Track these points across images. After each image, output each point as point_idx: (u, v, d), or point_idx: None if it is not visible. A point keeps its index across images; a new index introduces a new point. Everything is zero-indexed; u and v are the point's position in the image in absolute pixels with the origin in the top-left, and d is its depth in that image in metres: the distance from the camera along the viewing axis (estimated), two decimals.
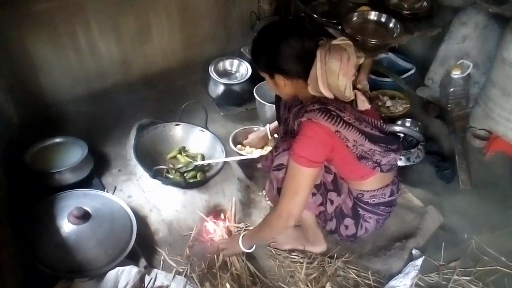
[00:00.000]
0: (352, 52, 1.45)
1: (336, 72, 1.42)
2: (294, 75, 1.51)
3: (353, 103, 1.53)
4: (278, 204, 1.55)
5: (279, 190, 1.60)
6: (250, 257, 1.77)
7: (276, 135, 2.19)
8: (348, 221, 1.69)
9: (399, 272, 1.71)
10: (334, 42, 1.45)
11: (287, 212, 1.52)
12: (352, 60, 1.44)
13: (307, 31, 1.51)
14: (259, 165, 1.80)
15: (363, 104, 1.53)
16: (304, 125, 1.47)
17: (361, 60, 1.50)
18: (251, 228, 1.88)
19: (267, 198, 1.99)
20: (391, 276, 1.70)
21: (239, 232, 1.87)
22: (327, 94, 1.46)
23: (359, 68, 1.51)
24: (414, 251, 1.79)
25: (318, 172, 1.54)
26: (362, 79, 1.57)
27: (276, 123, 2.14)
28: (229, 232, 1.88)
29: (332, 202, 1.65)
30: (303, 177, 1.49)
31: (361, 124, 1.50)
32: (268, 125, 2.21)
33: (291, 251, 1.83)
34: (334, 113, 1.45)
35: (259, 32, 1.57)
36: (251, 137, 2.25)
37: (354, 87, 1.51)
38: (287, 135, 1.69)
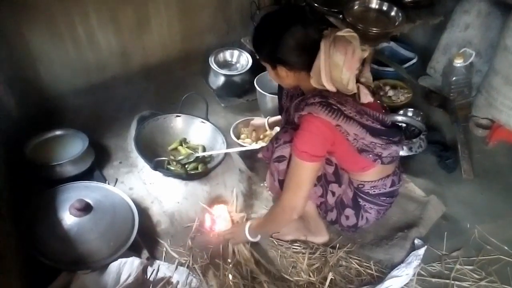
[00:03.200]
0: (357, 45, 1.42)
1: (340, 66, 1.39)
2: (296, 66, 1.49)
3: (356, 96, 1.51)
4: (281, 198, 1.55)
5: (280, 182, 1.60)
6: (255, 247, 1.78)
7: (277, 128, 2.17)
8: (349, 211, 1.69)
9: (401, 261, 1.71)
10: (339, 33, 1.42)
11: (290, 206, 1.52)
12: (357, 54, 1.41)
13: (310, 20, 1.48)
14: (259, 155, 1.79)
15: (366, 98, 1.51)
16: (305, 119, 1.46)
17: (366, 54, 1.47)
18: (254, 216, 1.87)
19: (268, 189, 1.98)
20: (393, 266, 1.69)
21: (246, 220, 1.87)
22: (330, 87, 1.44)
23: (363, 62, 1.49)
24: (416, 241, 1.78)
25: (320, 165, 1.54)
26: (365, 72, 1.54)
27: (276, 117, 2.13)
28: (232, 222, 1.87)
29: (333, 193, 1.64)
30: (305, 171, 1.48)
31: (362, 118, 1.48)
32: (268, 117, 2.19)
33: (293, 241, 1.83)
34: (335, 107, 1.44)
35: (261, 21, 1.54)
36: (254, 123, 2.23)
37: (358, 81, 1.49)
38: (288, 125, 1.67)
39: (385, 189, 1.67)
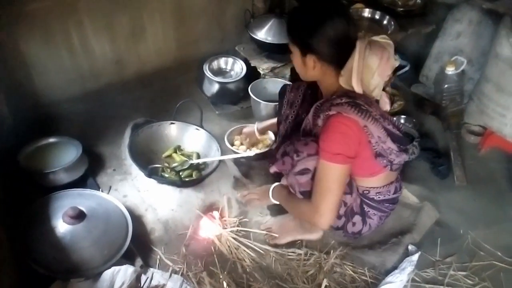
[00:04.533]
0: (392, 53, 1.42)
1: (373, 70, 1.39)
2: (327, 59, 1.46)
3: (377, 103, 1.52)
4: (319, 206, 1.51)
5: (303, 193, 1.59)
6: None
7: (272, 134, 2.18)
8: (357, 218, 1.69)
9: (395, 267, 1.71)
10: (375, 38, 1.42)
11: (329, 214, 1.50)
12: (391, 61, 1.42)
13: (353, 18, 1.46)
14: (271, 170, 1.75)
15: (385, 106, 1.54)
16: (334, 120, 1.44)
17: (398, 63, 1.47)
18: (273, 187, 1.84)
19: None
20: (387, 272, 1.70)
21: (238, 225, 1.89)
22: (358, 89, 1.44)
23: (394, 71, 1.48)
24: (410, 247, 1.79)
25: (350, 167, 1.52)
26: (391, 81, 1.55)
27: (265, 122, 2.13)
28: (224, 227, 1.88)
29: (345, 204, 1.64)
30: (338, 175, 1.47)
31: (384, 121, 1.49)
32: (256, 123, 2.20)
33: (288, 246, 1.82)
34: (364, 108, 1.43)
35: (304, 3, 1.51)
36: (244, 131, 2.24)
37: (383, 89, 1.49)
38: (291, 135, 1.65)
39: (389, 195, 1.68)
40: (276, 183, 1.82)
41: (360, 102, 1.43)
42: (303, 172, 1.55)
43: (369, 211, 1.68)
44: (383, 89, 1.50)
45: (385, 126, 1.48)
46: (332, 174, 1.47)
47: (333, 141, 1.44)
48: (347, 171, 1.49)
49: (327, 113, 1.45)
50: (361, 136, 1.46)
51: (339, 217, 1.67)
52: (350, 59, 1.41)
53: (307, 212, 1.58)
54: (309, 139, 1.56)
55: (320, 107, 1.50)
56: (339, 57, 1.44)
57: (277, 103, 1.97)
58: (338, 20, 1.40)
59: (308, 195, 1.58)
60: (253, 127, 2.19)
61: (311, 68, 1.51)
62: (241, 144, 2.25)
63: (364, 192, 1.65)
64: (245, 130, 2.23)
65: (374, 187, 1.64)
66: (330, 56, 1.45)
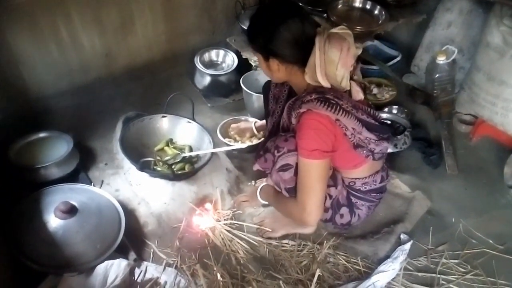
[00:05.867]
0: (352, 42, 1.43)
1: (335, 62, 1.40)
2: (289, 60, 1.49)
3: (348, 93, 1.52)
4: (305, 204, 1.54)
5: (288, 190, 1.61)
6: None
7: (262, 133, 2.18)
8: (344, 210, 1.70)
9: (387, 256, 1.73)
10: (333, 30, 1.43)
11: (316, 211, 1.54)
12: (352, 51, 1.43)
13: (308, 16, 1.48)
14: (254, 168, 1.77)
15: (357, 95, 1.53)
16: (306, 118, 1.45)
17: (360, 51, 1.48)
18: (264, 184, 1.88)
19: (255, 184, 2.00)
20: (380, 261, 1.71)
21: (232, 217, 1.90)
22: (325, 83, 1.45)
23: (357, 59, 1.50)
24: (402, 236, 1.80)
25: (330, 162, 1.54)
26: (357, 70, 1.56)
27: (263, 121, 2.12)
28: (218, 219, 1.88)
29: (330, 196, 1.66)
30: (319, 170, 1.49)
31: (358, 112, 1.50)
32: (255, 121, 2.19)
33: (282, 238, 1.82)
34: (333, 101, 1.44)
35: (257, 11, 1.54)
36: (240, 126, 2.23)
37: (351, 78, 1.50)
38: (285, 133, 1.66)
39: (375, 185, 1.69)
40: (263, 183, 1.84)
41: (329, 97, 1.45)
42: (285, 168, 1.57)
43: (356, 202, 1.69)
44: (351, 79, 1.50)
45: (358, 117, 1.49)
46: (312, 170, 1.49)
47: (308, 138, 1.46)
48: (326, 165, 1.51)
49: (298, 111, 1.47)
50: (335, 130, 1.47)
51: (326, 210, 1.69)
52: (311, 55, 1.43)
53: (295, 212, 1.61)
54: (289, 134, 1.58)
55: (293, 105, 1.52)
56: (300, 56, 1.46)
57: None
58: (292, 21, 1.42)
59: (293, 191, 1.60)
60: (250, 124, 2.19)
61: (276, 71, 1.53)
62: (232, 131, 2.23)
63: (350, 183, 1.66)
64: (239, 125, 2.22)
65: (360, 178, 1.65)
66: (291, 57, 1.47)
